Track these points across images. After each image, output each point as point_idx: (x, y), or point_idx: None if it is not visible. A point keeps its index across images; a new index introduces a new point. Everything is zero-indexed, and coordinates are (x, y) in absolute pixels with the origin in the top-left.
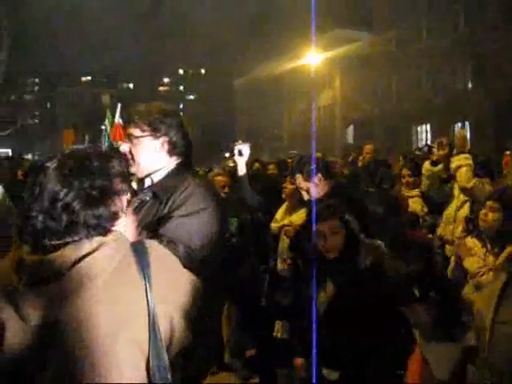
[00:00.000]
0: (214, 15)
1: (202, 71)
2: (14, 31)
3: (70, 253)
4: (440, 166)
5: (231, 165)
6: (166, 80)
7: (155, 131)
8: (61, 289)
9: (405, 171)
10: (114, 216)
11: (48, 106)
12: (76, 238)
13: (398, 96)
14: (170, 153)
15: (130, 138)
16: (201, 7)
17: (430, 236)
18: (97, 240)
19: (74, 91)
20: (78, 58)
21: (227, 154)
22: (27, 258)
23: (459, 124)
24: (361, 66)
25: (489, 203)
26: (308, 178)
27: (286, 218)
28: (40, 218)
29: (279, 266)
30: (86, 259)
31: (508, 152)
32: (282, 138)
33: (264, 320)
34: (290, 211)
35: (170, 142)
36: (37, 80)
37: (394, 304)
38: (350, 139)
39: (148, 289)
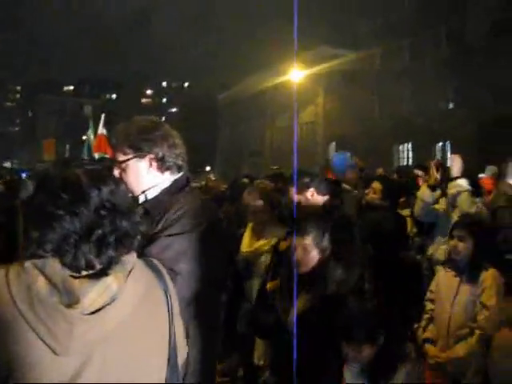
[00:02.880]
0: (199, 29)
1: (186, 84)
2: None
3: (122, 273)
4: (438, 192)
5: (213, 179)
6: (149, 92)
7: (138, 151)
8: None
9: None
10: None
11: (29, 113)
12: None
13: (380, 114)
14: (161, 169)
15: (116, 163)
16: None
17: (419, 257)
18: (131, 257)
19: (55, 100)
20: (61, 67)
21: (208, 168)
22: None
23: (440, 144)
24: (344, 83)
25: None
26: (301, 191)
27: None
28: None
29: (268, 285)
30: (131, 278)
31: (484, 174)
32: (263, 153)
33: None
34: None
35: (157, 159)
36: (18, 87)
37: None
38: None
39: (172, 309)
